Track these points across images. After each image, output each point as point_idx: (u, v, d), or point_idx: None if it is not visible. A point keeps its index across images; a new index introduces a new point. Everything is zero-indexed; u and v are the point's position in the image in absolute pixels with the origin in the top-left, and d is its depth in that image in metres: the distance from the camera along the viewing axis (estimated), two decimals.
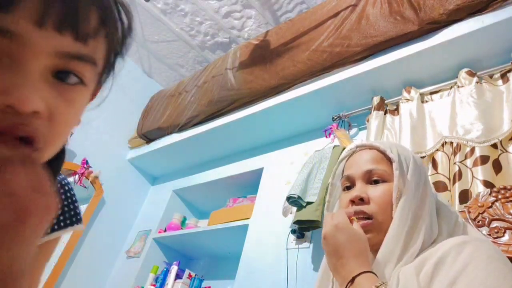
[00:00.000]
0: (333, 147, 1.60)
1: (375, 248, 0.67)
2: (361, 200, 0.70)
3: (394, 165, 0.70)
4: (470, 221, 0.87)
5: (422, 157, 1.30)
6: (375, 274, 0.60)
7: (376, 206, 0.69)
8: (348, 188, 0.75)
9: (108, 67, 0.41)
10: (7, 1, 0.29)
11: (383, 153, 0.74)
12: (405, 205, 0.66)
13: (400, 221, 0.65)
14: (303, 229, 1.51)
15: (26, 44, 0.30)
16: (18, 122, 0.29)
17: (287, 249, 1.56)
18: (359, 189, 0.71)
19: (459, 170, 1.16)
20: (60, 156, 0.39)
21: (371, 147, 0.76)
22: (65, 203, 0.56)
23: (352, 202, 0.71)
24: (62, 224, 0.55)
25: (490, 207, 0.87)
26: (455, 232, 0.71)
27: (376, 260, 0.63)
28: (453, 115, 1.31)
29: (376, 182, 0.71)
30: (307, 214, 1.41)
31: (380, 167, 0.72)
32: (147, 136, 2.57)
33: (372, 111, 1.55)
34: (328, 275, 0.75)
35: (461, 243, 0.58)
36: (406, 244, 0.64)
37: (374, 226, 0.68)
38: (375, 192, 0.70)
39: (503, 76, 1.30)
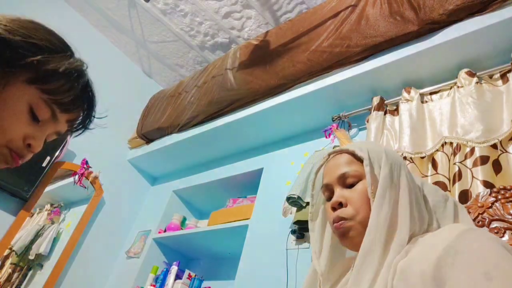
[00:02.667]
0: (333, 148, 1.60)
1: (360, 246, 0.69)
2: (340, 205, 0.72)
3: (364, 162, 0.72)
4: None
5: (422, 157, 1.30)
6: None
7: (353, 208, 0.70)
8: (329, 197, 0.77)
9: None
10: (66, 109, 0.63)
11: (353, 154, 0.76)
12: (380, 195, 0.67)
13: (378, 210, 0.66)
14: (303, 229, 1.51)
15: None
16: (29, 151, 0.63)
17: (287, 249, 1.56)
18: (337, 194, 0.73)
19: (459, 171, 1.16)
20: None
21: (341, 152, 0.79)
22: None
23: (334, 208, 0.73)
24: None
25: (490, 207, 0.87)
26: (445, 218, 0.73)
27: (360, 251, 0.63)
28: (453, 115, 1.31)
29: (351, 184, 0.73)
30: (307, 214, 1.41)
31: (352, 168, 0.74)
32: (147, 136, 2.57)
33: (372, 111, 1.55)
34: (315, 277, 0.78)
35: (467, 230, 0.57)
36: (390, 232, 0.64)
37: (354, 226, 0.69)
38: (351, 194, 0.72)
39: (503, 77, 1.30)
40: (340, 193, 0.73)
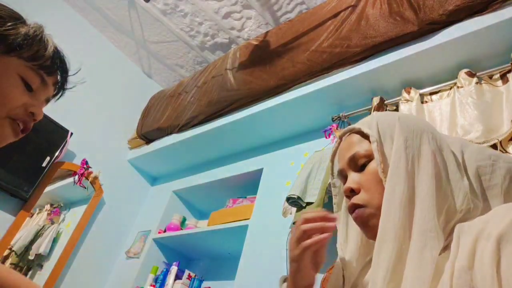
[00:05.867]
0: (333, 148, 1.60)
1: None
2: (353, 192, 0.62)
3: (371, 139, 0.62)
4: None
5: None
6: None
7: (366, 193, 0.61)
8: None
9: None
10: (50, 72, 0.65)
11: (359, 132, 0.65)
12: (392, 171, 0.56)
13: (391, 190, 0.55)
14: None
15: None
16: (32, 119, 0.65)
17: (286, 249, 1.55)
18: (349, 180, 0.64)
19: None
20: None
21: (350, 131, 0.68)
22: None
23: (348, 196, 0.64)
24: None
25: None
26: (492, 188, 0.59)
27: (377, 240, 0.54)
28: (453, 115, 1.31)
29: (363, 166, 0.63)
30: None
31: (361, 147, 0.63)
32: (147, 136, 2.57)
33: (372, 111, 1.55)
34: (339, 273, 0.68)
35: None
36: (409, 213, 0.53)
37: (372, 213, 0.59)
38: (364, 177, 0.62)
39: (503, 77, 1.30)
40: (351, 178, 0.63)
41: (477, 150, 0.64)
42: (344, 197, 0.71)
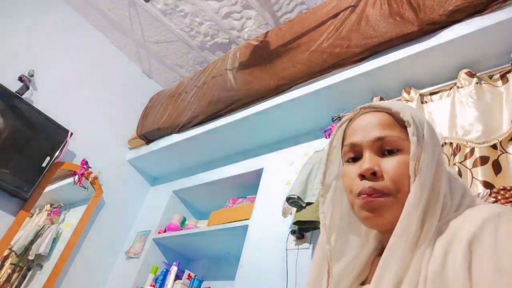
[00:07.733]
0: None
1: (392, 226, 0.53)
2: (373, 175, 0.56)
3: (410, 130, 0.56)
4: None
5: None
6: None
7: (391, 182, 0.56)
8: (354, 160, 0.61)
9: None
10: None
11: (393, 115, 0.60)
12: (425, 176, 0.54)
13: (420, 191, 0.53)
14: (303, 229, 1.51)
15: None
16: None
17: (287, 249, 1.56)
18: (370, 160, 0.57)
19: (459, 171, 1.16)
20: None
21: (379, 109, 0.62)
22: None
23: (362, 176, 0.57)
24: None
25: None
26: (462, 204, 0.60)
27: (391, 240, 0.52)
28: (453, 115, 1.31)
29: (390, 152, 0.58)
30: (307, 214, 1.41)
31: (393, 133, 0.58)
32: (147, 136, 2.57)
33: None
34: (322, 271, 0.63)
35: (495, 216, 0.47)
36: (423, 219, 0.53)
37: (392, 203, 0.55)
38: (389, 165, 0.57)
39: (503, 77, 1.30)
40: (373, 160, 0.57)
41: (455, 175, 0.65)
42: (343, 174, 0.65)
